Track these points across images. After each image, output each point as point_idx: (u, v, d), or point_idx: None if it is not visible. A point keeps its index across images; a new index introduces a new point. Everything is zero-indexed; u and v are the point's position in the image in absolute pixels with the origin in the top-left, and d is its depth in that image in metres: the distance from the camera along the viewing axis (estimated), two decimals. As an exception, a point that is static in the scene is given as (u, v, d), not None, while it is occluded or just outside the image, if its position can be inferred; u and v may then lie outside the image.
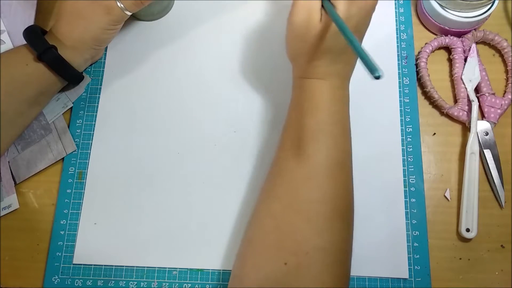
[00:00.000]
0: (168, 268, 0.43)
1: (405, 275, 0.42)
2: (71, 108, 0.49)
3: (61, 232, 0.45)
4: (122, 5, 0.42)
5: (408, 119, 0.46)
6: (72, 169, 0.46)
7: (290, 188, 0.36)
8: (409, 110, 0.47)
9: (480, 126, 0.45)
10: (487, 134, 0.45)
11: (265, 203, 0.37)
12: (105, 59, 0.50)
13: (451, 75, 0.48)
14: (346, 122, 0.38)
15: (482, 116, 0.46)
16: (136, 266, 0.43)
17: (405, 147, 0.45)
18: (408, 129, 0.46)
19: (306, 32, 0.35)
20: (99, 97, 0.49)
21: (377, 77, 0.26)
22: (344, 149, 0.37)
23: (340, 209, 0.35)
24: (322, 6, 0.35)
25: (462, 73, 0.47)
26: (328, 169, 0.35)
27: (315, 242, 0.34)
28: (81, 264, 0.44)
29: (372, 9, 0.36)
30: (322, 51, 0.36)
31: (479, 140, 0.45)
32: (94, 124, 0.48)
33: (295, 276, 0.33)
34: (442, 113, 0.47)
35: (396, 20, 0.50)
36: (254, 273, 0.34)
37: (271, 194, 0.37)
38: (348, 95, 0.39)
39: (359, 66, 0.47)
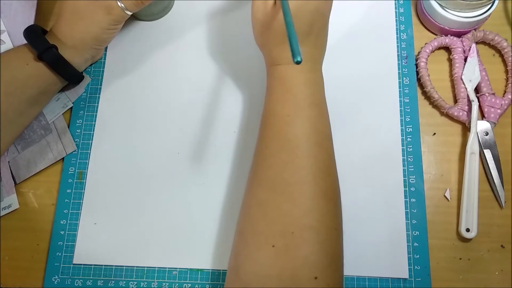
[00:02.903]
0: (168, 268, 0.43)
1: (405, 275, 0.42)
2: (71, 108, 0.49)
3: (61, 232, 0.45)
4: (122, 5, 0.42)
5: (408, 119, 0.46)
6: (72, 169, 0.46)
7: (273, 174, 0.36)
8: (409, 110, 0.47)
9: (480, 126, 0.45)
10: (487, 134, 0.45)
11: (250, 192, 0.37)
12: (105, 59, 0.50)
13: (451, 75, 0.48)
14: (321, 105, 0.38)
15: (482, 116, 0.46)
16: (136, 266, 0.43)
17: (405, 147, 0.45)
18: (408, 129, 0.46)
19: (264, 17, 0.36)
20: (99, 97, 0.49)
21: (297, 62, 0.30)
22: (322, 131, 0.37)
23: (324, 188, 0.35)
24: None
25: (462, 73, 0.47)
26: (308, 151, 0.36)
27: (302, 222, 0.34)
28: (81, 264, 0.44)
29: None
30: (283, 35, 0.36)
31: (479, 140, 0.45)
32: (94, 124, 0.48)
33: (285, 258, 0.33)
34: (442, 113, 0.47)
35: (396, 20, 0.50)
36: (248, 263, 0.34)
37: (255, 183, 0.37)
38: (322, 78, 0.39)
39: (358, 67, 0.48)
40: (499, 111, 0.45)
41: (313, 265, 0.32)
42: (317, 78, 0.39)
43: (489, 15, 0.47)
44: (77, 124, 0.48)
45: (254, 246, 0.35)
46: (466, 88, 0.46)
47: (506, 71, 0.48)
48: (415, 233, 0.43)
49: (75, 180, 0.46)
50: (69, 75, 0.45)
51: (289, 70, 0.38)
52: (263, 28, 0.38)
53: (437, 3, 0.47)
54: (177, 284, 0.43)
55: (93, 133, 0.47)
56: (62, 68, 0.43)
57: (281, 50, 0.38)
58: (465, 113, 0.46)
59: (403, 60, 0.48)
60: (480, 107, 0.46)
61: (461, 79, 0.46)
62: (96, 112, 0.48)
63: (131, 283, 0.43)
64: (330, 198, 0.36)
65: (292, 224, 0.34)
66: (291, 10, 0.34)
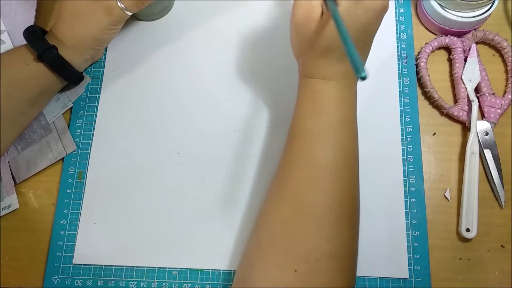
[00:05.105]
0: (168, 268, 0.43)
1: (405, 275, 0.42)
2: (71, 108, 0.49)
3: (61, 232, 0.45)
4: (122, 5, 0.42)
5: (408, 119, 0.46)
6: (72, 169, 0.46)
7: (299, 192, 0.35)
8: (409, 110, 0.47)
9: (480, 126, 0.45)
10: (487, 134, 0.45)
11: (273, 207, 0.37)
12: (105, 59, 0.50)
13: (451, 75, 0.48)
14: (353, 124, 0.37)
15: (482, 116, 0.46)
16: (136, 266, 0.43)
17: (405, 147, 0.45)
18: (408, 129, 0.46)
19: (306, 29, 0.35)
20: (99, 97, 0.49)
21: (363, 78, 0.27)
22: (351, 152, 0.37)
23: (348, 213, 0.35)
24: (325, 3, 0.34)
25: (462, 73, 0.47)
26: (337, 173, 0.35)
27: (325, 248, 0.33)
28: (81, 264, 0.44)
29: (382, 9, 0.34)
30: (325, 49, 0.35)
31: (479, 140, 0.45)
32: (94, 124, 0.48)
33: (305, 283, 0.33)
34: (442, 113, 0.47)
35: (396, 20, 0.50)
36: (263, 279, 0.34)
37: (279, 198, 0.36)
38: (355, 96, 0.38)
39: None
40: (499, 111, 0.45)
41: None
42: (351, 95, 0.37)
43: (489, 15, 0.47)
44: (77, 124, 0.48)
45: (272, 264, 0.34)
46: (466, 88, 0.46)
47: (506, 71, 0.48)
48: (415, 233, 0.43)
49: (75, 180, 0.46)
50: (69, 75, 0.45)
51: (323, 85, 0.36)
52: (304, 40, 0.36)
53: (437, 3, 0.47)
54: (177, 284, 0.43)
55: (93, 133, 0.47)
56: (62, 68, 0.43)
57: (318, 65, 0.36)
58: (465, 113, 0.46)
59: (403, 60, 0.48)
60: (480, 107, 0.46)
61: (461, 79, 0.46)
62: (96, 112, 0.48)
63: (131, 283, 0.43)
64: (352, 223, 0.35)
65: (315, 250, 0.33)
66: (333, 25, 0.33)
